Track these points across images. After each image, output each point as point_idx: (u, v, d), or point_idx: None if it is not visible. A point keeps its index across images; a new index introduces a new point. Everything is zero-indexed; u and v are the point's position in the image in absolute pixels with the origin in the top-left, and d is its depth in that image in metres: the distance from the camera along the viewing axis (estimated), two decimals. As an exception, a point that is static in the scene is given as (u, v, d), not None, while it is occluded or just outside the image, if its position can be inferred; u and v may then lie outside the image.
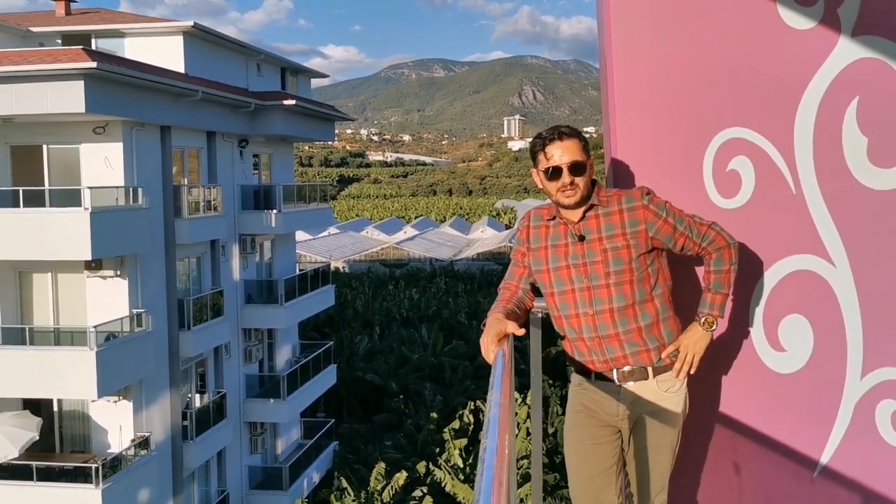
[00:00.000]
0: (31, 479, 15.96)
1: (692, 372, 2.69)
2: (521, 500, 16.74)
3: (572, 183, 2.62)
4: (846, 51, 2.50)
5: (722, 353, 2.87)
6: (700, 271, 2.77)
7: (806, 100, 2.58)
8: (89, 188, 15.60)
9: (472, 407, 26.11)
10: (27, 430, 16.58)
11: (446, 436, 24.32)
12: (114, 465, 16.41)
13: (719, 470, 2.94)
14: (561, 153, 2.63)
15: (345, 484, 22.91)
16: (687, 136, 2.87)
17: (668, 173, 2.92)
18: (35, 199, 16.04)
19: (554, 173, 2.64)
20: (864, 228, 2.52)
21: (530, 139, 2.81)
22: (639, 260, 2.62)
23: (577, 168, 2.62)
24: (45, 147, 17.11)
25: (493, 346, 2.39)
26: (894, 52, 2.41)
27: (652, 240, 2.63)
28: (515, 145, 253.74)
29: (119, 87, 16.20)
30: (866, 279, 2.53)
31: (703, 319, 2.65)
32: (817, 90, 2.56)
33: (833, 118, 2.53)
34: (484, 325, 2.53)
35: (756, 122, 2.70)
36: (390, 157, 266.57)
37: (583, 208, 2.67)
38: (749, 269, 2.77)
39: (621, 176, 3.00)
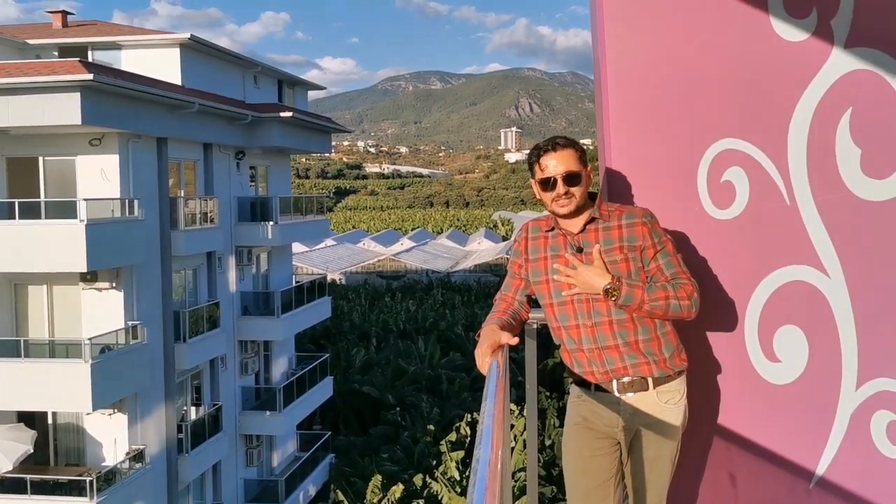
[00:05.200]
0: (25, 492, 15.87)
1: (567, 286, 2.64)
2: (518, 513, 16.66)
3: (567, 193, 2.63)
4: (839, 62, 2.51)
5: (717, 364, 2.87)
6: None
7: (799, 111, 2.59)
8: (85, 200, 15.58)
9: (469, 419, 26.04)
10: (21, 442, 16.50)
11: (443, 448, 24.27)
12: (108, 478, 16.32)
13: (716, 481, 2.93)
14: (555, 164, 2.64)
15: (341, 497, 22.83)
16: (681, 148, 2.88)
17: (662, 184, 2.93)
18: (31, 211, 16.01)
19: (548, 184, 2.65)
20: (858, 239, 2.53)
21: (527, 151, 2.82)
22: (638, 274, 2.63)
23: (571, 178, 2.63)
24: (41, 159, 17.10)
25: (487, 356, 2.39)
26: (887, 63, 2.42)
27: (643, 255, 2.65)
28: (512, 157, 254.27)
29: (115, 99, 16.22)
30: (861, 290, 2.53)
31: (615, 285, 2.56)
32: (810, 102, 2.57)
33: (826, 129, 2.54)
34: (478, 336, 2.53)
35: (750, 133, 2.71)
36: (387, 168, 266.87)
37: (583, 220, 2.68)
38: (744, 280, 2.77)
39: (616, 187, 3.00)
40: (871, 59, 2.45)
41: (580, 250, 2.66)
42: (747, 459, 2.83)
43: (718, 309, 2.80)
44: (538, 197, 2.72)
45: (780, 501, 2.77)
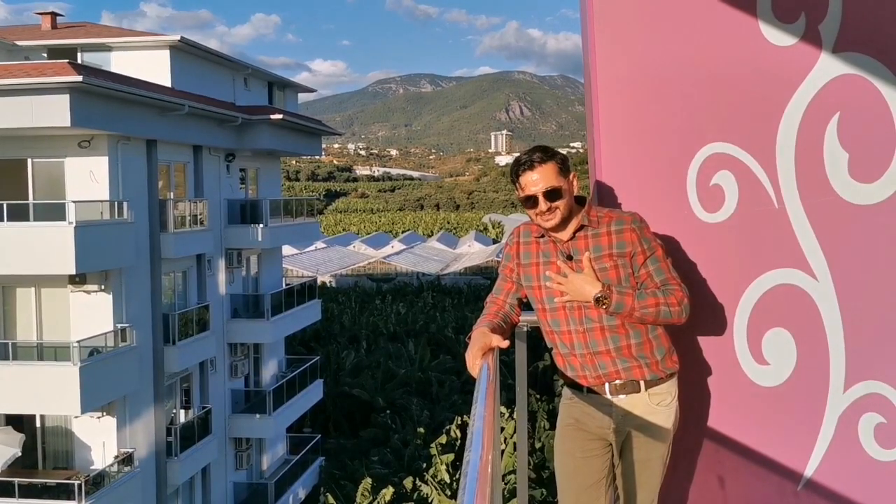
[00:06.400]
0: (13, 495, 15.78)
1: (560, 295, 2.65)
2: (508, 516, 16.66)
3: (549, 209, 2.63)
4: (827, 67, 2.52)
5: (706, 367, 2.88)
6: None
7: (788, 115, 2.61)
8: (74, 202, 15.51)
9: (459, 422, 26.04)
10: (10, 446, 16.40)
11: (433, 451, 24.25)
12: (97, 481, 16.24)
13: (705, 483, 2.94)
14: (534, 182, 2.64)
15: (331, 500, 22.78)
16: (671, 152, 2.89)
17: (652, 188, 2.94)
18: (19, 214, 15.92)
19: (530, 202, 2.66)
20: (845, 243, 2.55)
21: (517, 154, 2.82)
22: (628, 280, 2.64)
23: (551, 194, 2.62)
24: (29, 161, 17.01)
25: (477, 359, 2.39)
26: (875, 68, 2.44)
27: (633, 261, 2.66)
28: (503, 160, 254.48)
29: (105, 101, 16.15)
30: (848, 293, 2.55)
31: (605, 293, 2.56)
32: (799, 106, 2.58)
33: (814, 134, 2.56)
34: (469, 338, 2.53)
35: (739, 137, 2.73)
36: (377, 171, 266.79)
37: (573, 227, 2.69)
38: (732, 283, 2.78)
39: (606, 191, 3.02)
40: (859, 63, 2.46)
41: (570, 258, 2.67)
42: (736, 461, 2.84)
43: (708, 312, 2.81)
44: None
45: (769, 503, 2.78)
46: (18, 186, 16.95)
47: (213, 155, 21.59)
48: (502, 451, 18.85)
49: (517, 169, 2.69)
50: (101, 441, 17.16)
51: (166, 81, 19.80)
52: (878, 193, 2.45)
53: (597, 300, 2.57)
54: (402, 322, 42.03)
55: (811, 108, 2.56)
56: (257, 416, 22.60)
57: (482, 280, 55.95)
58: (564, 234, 2.70)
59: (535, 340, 2.99)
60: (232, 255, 22.58)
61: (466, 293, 50.95)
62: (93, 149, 16.77)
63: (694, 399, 2.87)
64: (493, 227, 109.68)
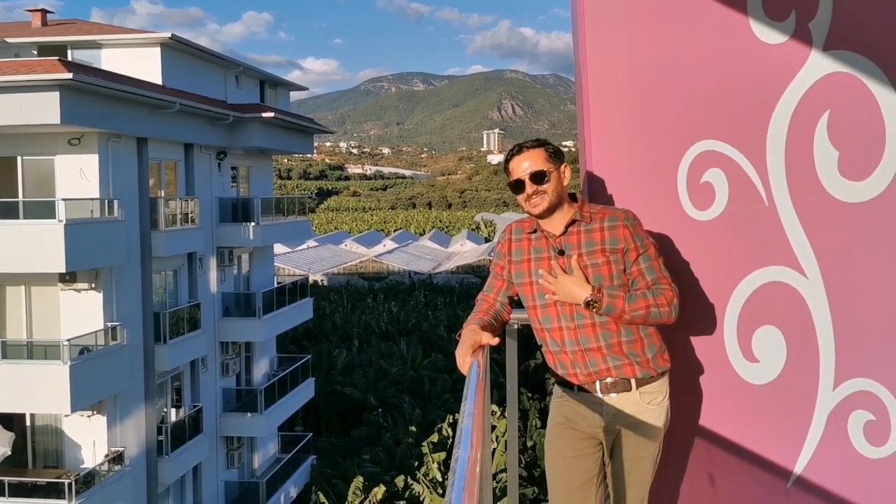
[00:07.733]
0: (3, 494, 15.72)
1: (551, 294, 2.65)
2: (500, 514, 16.67)
3: (535, 192, 2.64)
4: (817, 65, 2.53)
5: (697, 364, 2.89)
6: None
7: (778, 113, 2.61)
8: (64, 200, 15.44)
9: (451, 420, 26.04)
10: (-1, 445, 16.32)
11: (425, 449, 24.25)
12: (87, 480, 16.17)
13: (696, 481, 2.94)
14: (522, 165, 2.67)
15: (322, 499, 22.76)
16: (661, 149, 2.89)
17: (643, 186, 2.94)
18: (9, 211, 15.85)
19: (517, 186, 2.68)
20: (835, 240, 2.55)
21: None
22: (620, 277, 2.63)
23: (538, 177, 2.64)
24: (19, 158, 16.92)
25: (467, 357, 2.38)
26: (864, 66, 2.45)
27: (625, 257, 2.66)
28: (495, 159, 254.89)
29: (95, 99, 16.07)
30: (838, 291, 2.56)
31: (596, 297, 2.56)
32: (789, 104, 2.59)
33: (804, 131, 2.56)
34: (459, 336, 2.53)
35: (729, 135, 2.73)
36: (369, 170, 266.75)
37: (565, 222, 2.68)
38: (723, 280, 2.78)
39: (597, 189, 3.01)
40: (848, 61, 2.47)
41: (561, 253, 2.66)
42: (726, 459, 2.84)
43: (698, 309, 2.82)
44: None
45: (759, 500, 2.79)
46: (8, 184, 16.86)
47: (204, 153, 21.52)
48: (493, 450, 18.86)
49: (507, 157, 2.74)
50: (91, 440, 17.09)
51: (157, 79, 19.72)
52: (868, 191, 2.46)
53: (587, 303, 2.58)
54: (394, 320, 42.02)
55: (801, 106, 2.56)
56: (248, 414, 22.54)
57: (474, 279, 55.97)
58: (556, 229, 2.69)
59: (527, 338, 2.99)
60: (223, 254, 22.51)
61: (458, 292, 50.96)
62: (83, 146, 16.69)
63: (684, 396, 2.87)
64: (486, 226, 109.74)
